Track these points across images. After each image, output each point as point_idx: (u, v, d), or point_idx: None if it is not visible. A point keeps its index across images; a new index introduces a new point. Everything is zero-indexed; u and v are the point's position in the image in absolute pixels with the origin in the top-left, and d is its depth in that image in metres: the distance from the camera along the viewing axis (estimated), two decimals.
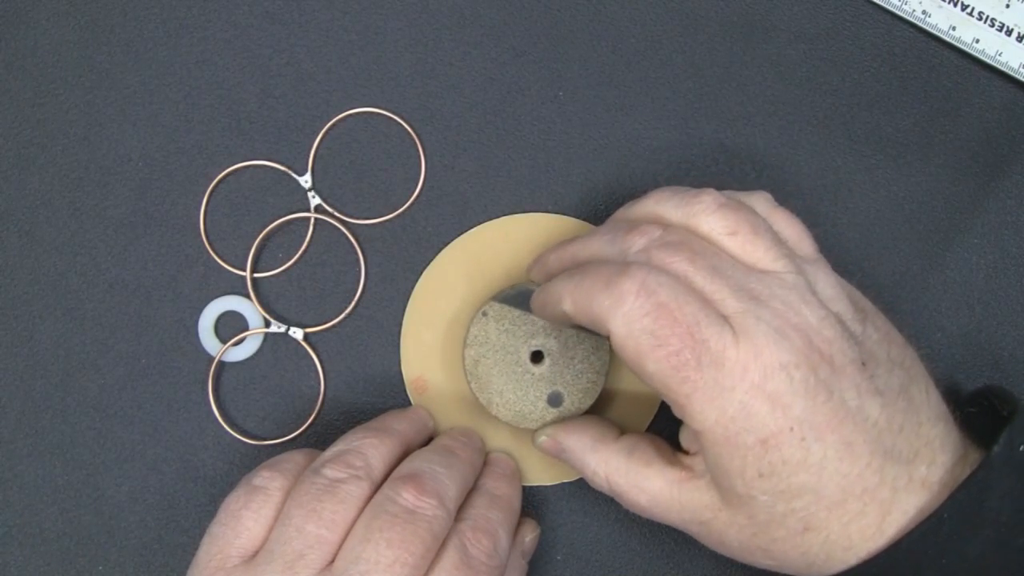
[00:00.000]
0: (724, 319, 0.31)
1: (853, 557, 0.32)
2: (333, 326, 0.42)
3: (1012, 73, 0.43)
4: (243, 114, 0.43)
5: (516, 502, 0.38)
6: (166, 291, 0.42)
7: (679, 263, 0.32)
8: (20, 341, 0.42)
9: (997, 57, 0.43)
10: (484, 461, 0.40)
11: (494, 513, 0.36)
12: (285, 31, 0.43)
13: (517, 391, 0.40)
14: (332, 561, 0.32)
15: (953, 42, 0.43)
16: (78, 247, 0.42)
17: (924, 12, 0.43)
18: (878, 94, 0.44)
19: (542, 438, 0.38)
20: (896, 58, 0.44)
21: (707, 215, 0.33)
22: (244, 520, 0.34)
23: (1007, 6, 0.43)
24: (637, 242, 0.33)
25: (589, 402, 0.40)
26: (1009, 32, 0.43)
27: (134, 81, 0.43)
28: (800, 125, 0.43)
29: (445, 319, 0.42)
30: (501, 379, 0.40)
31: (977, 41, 0.43)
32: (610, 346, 0.40)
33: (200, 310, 0.42)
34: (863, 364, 0.32)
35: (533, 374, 0.40)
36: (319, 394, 0.42)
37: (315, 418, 0.42)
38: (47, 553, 0.41)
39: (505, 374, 0.40)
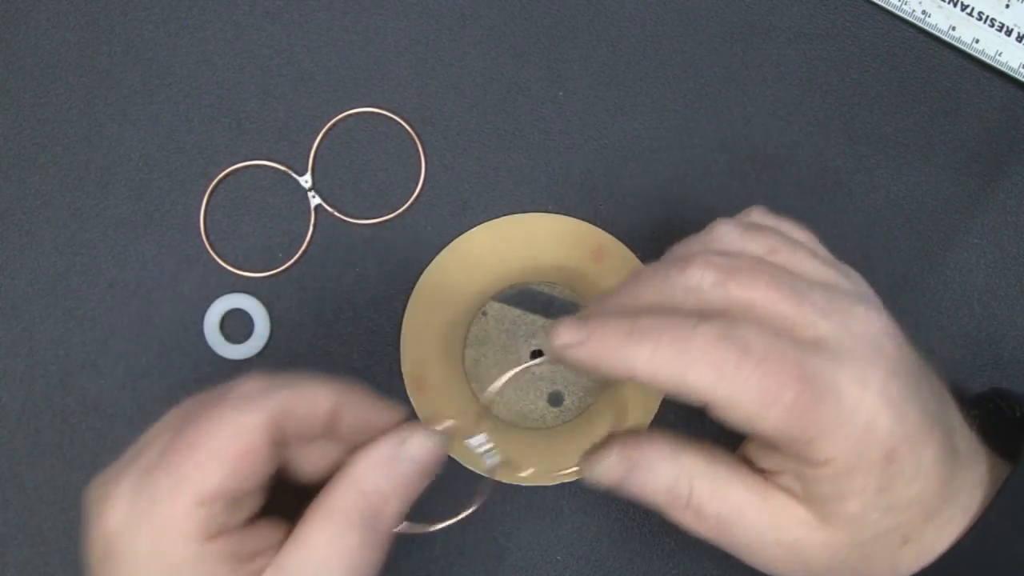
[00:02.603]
0: (814, 344, 0.29)
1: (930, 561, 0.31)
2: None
3: (1012, 73, 0.43)
4: (243, 114, 0.43)
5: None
6: (166, 291, 0.42)
7: (763, 292, 0.29)
8: (20, 341, 0.42)
9: (997, 57, 0.43)
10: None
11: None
12: (285, 31, 0.43)
13: (517, 391, 0.40)
14: None
15: (953, 42, 0.43)
16: (78, 247, 0.42)
17: (924, 12, 0.43)
18: (878, 94, 0.44)
19: (610, 459, 0.32)
20: (896, 58, 0.44)
21: (737, 244, 0.31)
22: None
23: (1007, 6, 0.43)
24: (705, 276, 0.29)
25: (590, 401, 0.40)
26: (1009, 32, 0.43)
27: (134, 81, 0.43)
28: (800, 125, 0.43)
29: (445, 319, 0.42)
30: None
31: (977, 41, 0.43)
32: None
33: (201, 310, 0.42)
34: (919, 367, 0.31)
35: (533, 374, 0.40)
36: None
37: None
38: (47, 553, 0.41)
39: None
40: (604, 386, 0.40)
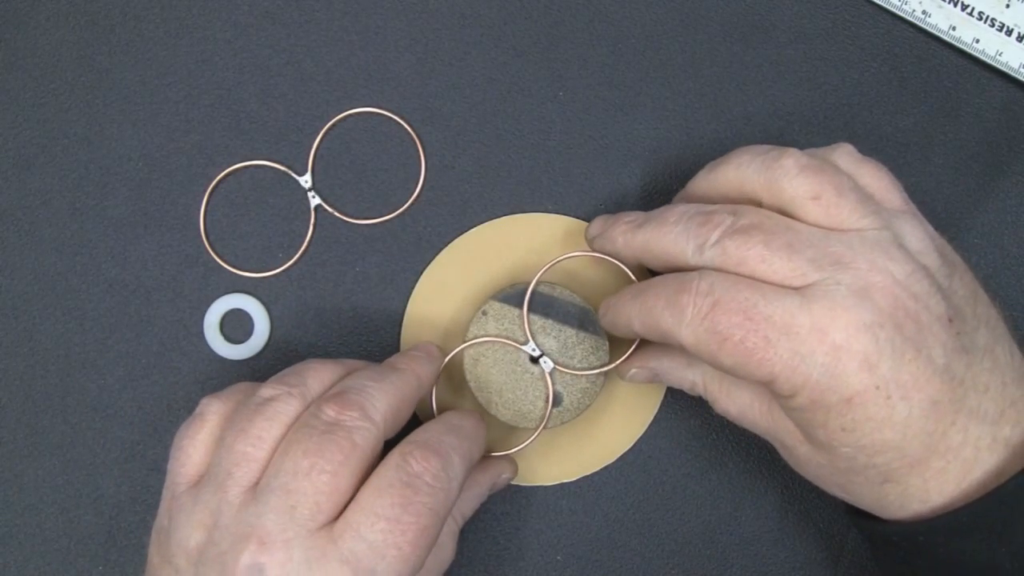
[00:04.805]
0: (793, 291, 0.31)
1: (928, 509, 0.32)
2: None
3: (1012, 73, 0.43)
4: (243, 114, 0.43)
5: (476, 434, 0.37)
6: (166, 291, 0.42)
7: (754, 248, 0.32)
8: (20, 341, 0.42)
9: (997, 57, 0.43)
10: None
11: (449, 437, 0.35)
12: (285, 31, 0.43)
13: (517, 391, 0.40)
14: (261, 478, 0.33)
15: (953, 42, 0.43)
16: (78, 247, 0.42)
17: (924, 12, 0.43)
18: (878, 94, 0.44)
19: (632, 371, 0.39)
20: (896, 58, 0.44)
21: (789, 179, 0.33)
22: (185, 448, 0.35)
23: (1007, 6, 0.43)
24: (711, 235, 0.33)
25: (589, 402, 0.40)
26: (1009, 32, 0.43)
27: (134, 81, 0.43)
28: (800, 125, 0.43)
29: (445, 319, 0.42)
30: (501, 379, 0.40)
31: (977, 41, 0.43)
32: (609, 346, 0.40)
33: (201, 310, 0.42)
34: (950, 320, 0.32)
35: (533, 374, 0.40)
36: None
37: None
38: (47, 553, 0.41)
39: (505, 374, 0.40)
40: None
